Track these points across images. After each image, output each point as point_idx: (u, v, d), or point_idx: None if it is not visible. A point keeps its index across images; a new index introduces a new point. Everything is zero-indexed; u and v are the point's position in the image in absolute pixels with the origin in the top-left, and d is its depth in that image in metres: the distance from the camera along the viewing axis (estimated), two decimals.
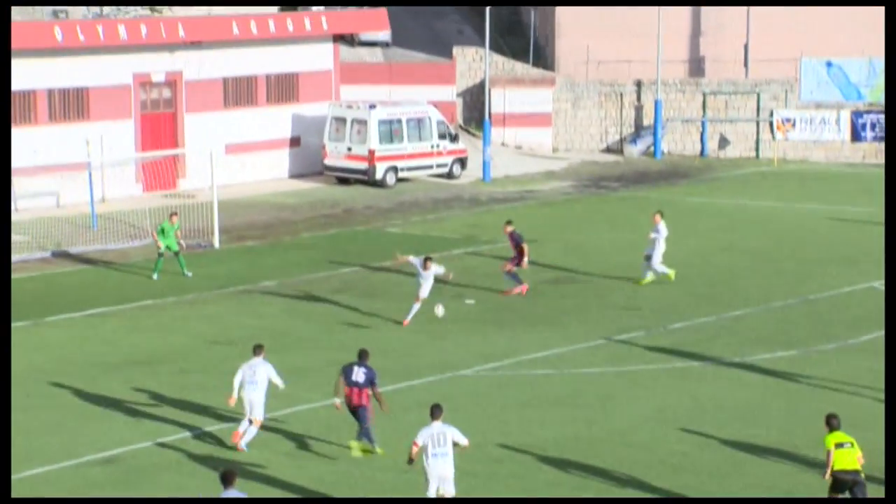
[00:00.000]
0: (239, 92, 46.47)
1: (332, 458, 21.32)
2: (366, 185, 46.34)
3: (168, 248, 32.72)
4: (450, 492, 18.66)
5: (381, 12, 51.90)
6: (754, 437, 21.95)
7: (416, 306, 28.95)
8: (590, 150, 55.03)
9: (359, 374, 21.23)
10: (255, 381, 21.31)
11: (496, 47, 56.23)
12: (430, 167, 48.02)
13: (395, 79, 52.78)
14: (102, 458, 21.08)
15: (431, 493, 18.59)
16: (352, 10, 56.70)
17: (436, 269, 29.14)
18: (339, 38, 50.14)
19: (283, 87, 47.70)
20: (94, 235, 37.42)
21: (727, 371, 25.83)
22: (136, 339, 27.84)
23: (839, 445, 18.14)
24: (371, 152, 46.19)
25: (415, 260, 29.37)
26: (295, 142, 48.04)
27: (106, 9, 51.68)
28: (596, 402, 23.99)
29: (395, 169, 46.82)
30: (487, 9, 49.59)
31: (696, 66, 57.97)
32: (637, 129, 55.12)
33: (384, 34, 56.57)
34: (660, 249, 32.46)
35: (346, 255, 35.53)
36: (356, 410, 21.17)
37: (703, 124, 54.75)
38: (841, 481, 18.08)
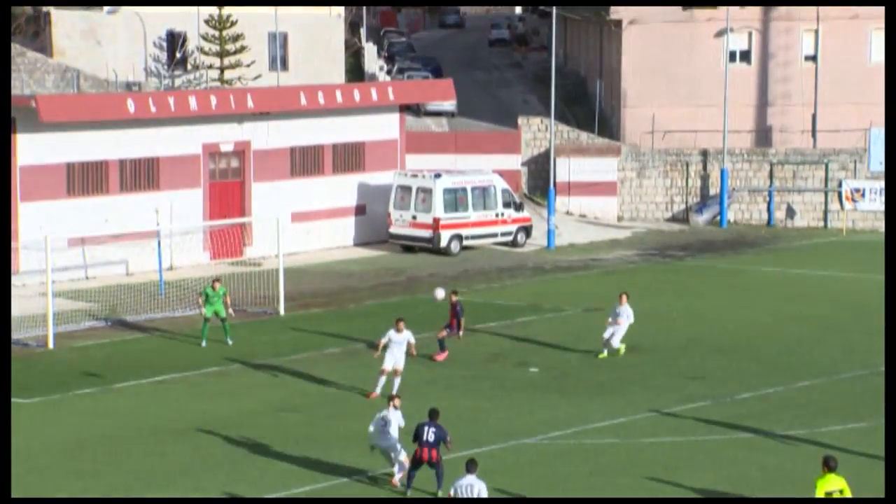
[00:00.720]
0: (305, 161, 46.99)
1: None
2: (430, 252, 46.50)
3: (216, 314, 32.90)
4: None
5: (448, 82, 52.38)
6: None
7: (382, 379, 27.88)
8: (655, 220, 54.85)
9: (429, 434, 21.75)
10: (387, 432, 22.39)
11: (561, 116, 56.47)
12: (495, 235, 48.10)
13: (460, 148, 53.11)
14: None
15: None
16: (418, 81, 57.29)
17: (408, 334, 27.97)
18: (406, 108, 50.61)
19: (350, 156, 48.17)
20: (163, 303, 37.81)
21: (795, 443, 25.41)
22: (203, 406, 27.96)
23: (828, 493, 18.53)
24: (436, 220, 46.40)
25: (386, 336, 28.10)
26: (360, 210, 48.40)
27: (177, 80, 52.58)
28: (661, 472, 23.68)
29: (459, 237, 46.96)
30: (553, 79, 49.87)
31: (763, 136, 57.77)
32: (703, 199, 54.89)
33: (450, 104, 57.10)
34: (622, 331, 31.63)
35: (410, 322, 35.37)
36: (429, 464, 21.77)
37: (769, 194, 54.43)
38: None
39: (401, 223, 46.88)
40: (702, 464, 24.21)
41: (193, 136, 43.80)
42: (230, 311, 33.16)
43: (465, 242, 47.15)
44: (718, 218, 53.92)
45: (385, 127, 48.99)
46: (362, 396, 28.61)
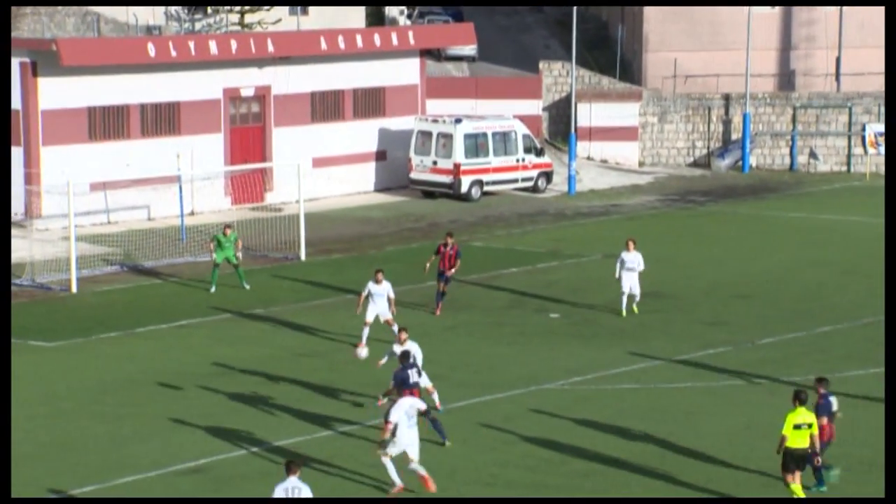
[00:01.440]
0: (326, 106, 46.87)
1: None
2: (451, 198, 46.44)
3: (227, 259, 32.97)
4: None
5: (468, 27, 52.04)
6: (846, 456, 21.55)
7: (366, 330, 27.47)
8: (676, 165, 54.60)
9: (414, 375, 21.60)
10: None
11: (582, 61, 56.09)
12: (516, 181, 48.00)
13: (481, 93, 52.86)
14: (190, 468, 21.32)
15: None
16: (439, 25, 56.96)
17: (388, 286, 27.38)
18: (426, 53, 50.34)
19: (370, 102, 48.02)
20: (184, 248, 37.95)
21: None
22: (223, 351, 28.13)
23: (797, 427, 19.30)
24: (457, 166, 46.30)
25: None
26: (381, 155, 48.33)
27: (197, 24, 52.35)
28: (682, 418, 23.75)
29: (480, 183, 46.86)
30: (574, 23, 49.50)
31: (786, 80, 57.28)
32: (725, 144, 54.58)
33: (471, 48, 56.71)
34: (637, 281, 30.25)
35: (431, 268, 35.58)
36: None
37: (792, 138, 54.07)
38: (791, 458, 19.32)
39: (421, 169, 46.81)
40: (721, 409, 24.27)
41: (214, 81, 43.71)
42: (238, 254, 33.19)
43: (486, 188, 47.06)
44: (740, 163, 53.63)
45: (405, 72, 48.78)
46: (383, 342, 28.71)
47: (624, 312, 30.77)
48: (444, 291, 31.07)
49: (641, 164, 54.36)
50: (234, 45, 43.70)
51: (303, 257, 37.21)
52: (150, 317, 30.88)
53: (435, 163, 46.56)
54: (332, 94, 46.88)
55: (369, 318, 27.78)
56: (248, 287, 33.06)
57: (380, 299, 27.71)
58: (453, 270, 30.99)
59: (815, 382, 20.57)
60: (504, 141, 47.41)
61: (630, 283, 30.63)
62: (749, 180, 51.78)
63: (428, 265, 31.07)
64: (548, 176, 48.72)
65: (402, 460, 20.32)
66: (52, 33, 51.13)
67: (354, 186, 47.41)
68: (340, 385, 25.66)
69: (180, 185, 40.37)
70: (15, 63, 39.50)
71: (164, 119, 42.71)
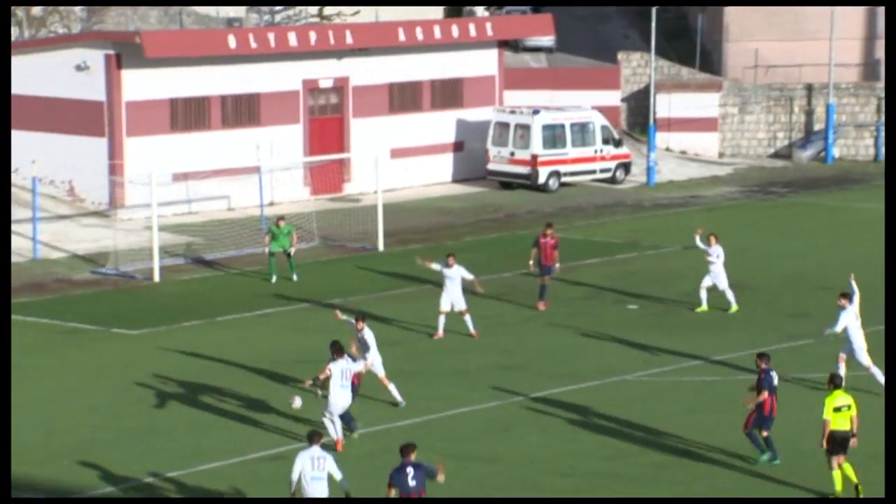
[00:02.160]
0: (404, 97, 47.01)
1: (494, 460, 21.37)
2: (528, 189, 46.37)
3: (282, 248, 33.03)
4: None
5: (547, 17, 51.89)
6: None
7: (441, 318, 27.55)
8: (757, 156, 54.01)
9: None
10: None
11: (662, 52, 55.66)
12: (594, 172, 47.79)
13: (559, 84, 52.70)
14: (271, 455, 21.54)
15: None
16: (517, 16, 56.82)
17: (461, 270, 27.28)
18: (504, 44, 50.28)
19: (448, 92, 48.08)
20: (264, 238, 38.24)
21: None
22: (303, 339, 28.37)
23: (837, 409, 19.56)
24: (534, 157, 46.21)
25: (438, 266, 27.70)
26: (458, 146, 48.37)
27: (277, 16, 52.71)
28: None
29: (557, 174, 46.73)
30: (654, 13, 49.12)
31: (871, 70, 56.36)
32: (807, 134, 53.88)
33: (549, 39, 56.53)
34: (722, 275, 30.05)
35: (508, 259, 35.60)
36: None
37: (877, 129, 53.21)
38: (833, 441, 19.52)
39: (499, 159, 46.78)
40: (803, 401, 23.97)
41: (293, 72, 44.04)
42: (292, 249, 33.08)
43: (564, 179, 46.92)
44: (823, 154, 52.91)
45: (483, 63, 48.76)
46: (461, 335, 28.77)
47: (702, 308, 30.37)
48: (546, 285, 30.52)
49: (721, 155, 53.84)
50: (313, 36, 43.99)
51: (380, 248, 37.38)
52: (231, 305, 31.23)
53: (513, 154, 46.51)
54: (410, 85, 47.01)
55: (444, 306, 27.85)
56: (295, 279, 33.11)
57: (452, 285, 27.66)
58: (558, 265, 30.49)
59: (757, 358, 21.15)
60: (582, 132, 47.22)
61: (714, 278, 30.20)
62: (832, 171, 51.08)
63: (531, 261, 30.60)
64: (626, 167, 48.46)
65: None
66: (136, 26, 51.85)
67: (432, 177, 47.51)
68: (418, 374, 25.75)
69: (260, 176, 40.75)
70: (100, 55, 40.13)
71: (244, 110, 43.12)
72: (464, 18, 54.07)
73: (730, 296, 30.32)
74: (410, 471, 16.81)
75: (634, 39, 59.66)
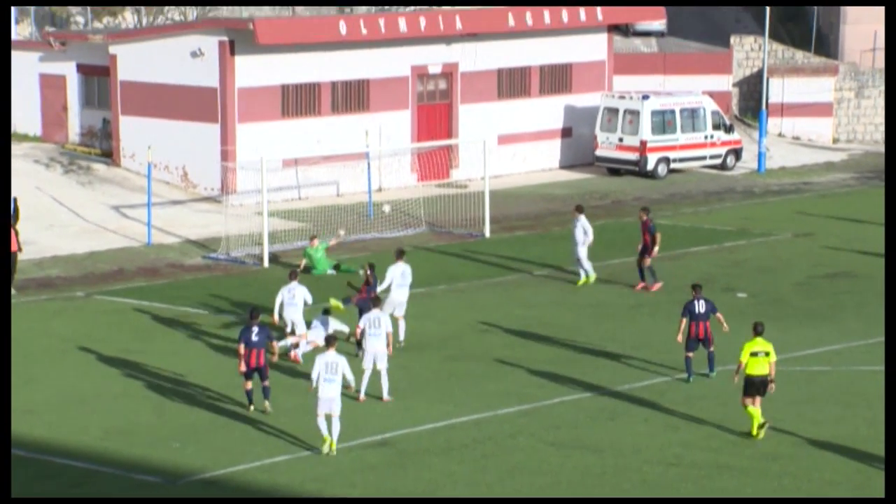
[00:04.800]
0: (512, 83, 46.92)
1: (598, 449, 21.31)
2: (637, 175, 46.00)
3: (325, 271, 32.21)
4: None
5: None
6: None
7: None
8: (874, 142, 52.83)
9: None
10: (294, 303, 25.84)
11: (776, 35, 54.70)
12: (704, 158, 47.22)
13: (669, 69, 52.11)
14: (377, 441, 21.74)
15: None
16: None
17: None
18: (614, 29, 49.89)
19: (557, 78, 47.87)
20: (371, 224, 38.60)
21: None
22: (410, 325, 28.48)
23: (754, 354, 21.50)
24: (643, 143, 45.81)
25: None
26: (567, 132, 48.15)
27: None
28: (875, 402, 23.05)
29: (666, 160, 46.27)
30: None
31: None
32: None
33: (659, 24, 55.89)
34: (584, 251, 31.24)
35: (615, 246, 35.37)
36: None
37: None
38: (750, 384, 21.51)
39: (607, 146, 46.47)
40: None
41: (402, 58, 44.22)
42: (334, 264, 32.42)
43: (673, 165, 46.44)
44: None
45: (593, 48, 48.43)
46: (564, 320, 28.67)
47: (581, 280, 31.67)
48: (644, 266, 31.10)
49: (836, 140, 52.78)
50: (422, 22, 44.11)
51: (487, 234, 37.40)
52: (339, 291, 31.51)
53: (621, 140, 46.16)
54: (518, 70, 46.91)
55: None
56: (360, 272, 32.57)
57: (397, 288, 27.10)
58: (656, 249, 30.88)
59: (692, 288, 24.82)
60: (692, 118, 46.66)
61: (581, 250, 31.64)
62: None
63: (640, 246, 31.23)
64: (737, 153, 47.78)
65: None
66: (250, 13, 52.53)
67: (539, 163, 47.38)
68: (521, 363, 25.76)
69: (368, 162, 41.05)
70: (213, 42, 40.74)
71: (353, 96, 43.45)
72: (573, 4, 53.72)
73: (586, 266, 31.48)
74: (255, 328, 22.56)
75: (748, 23, 58.70)
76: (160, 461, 20.95)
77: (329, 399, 20.96)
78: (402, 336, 26.63)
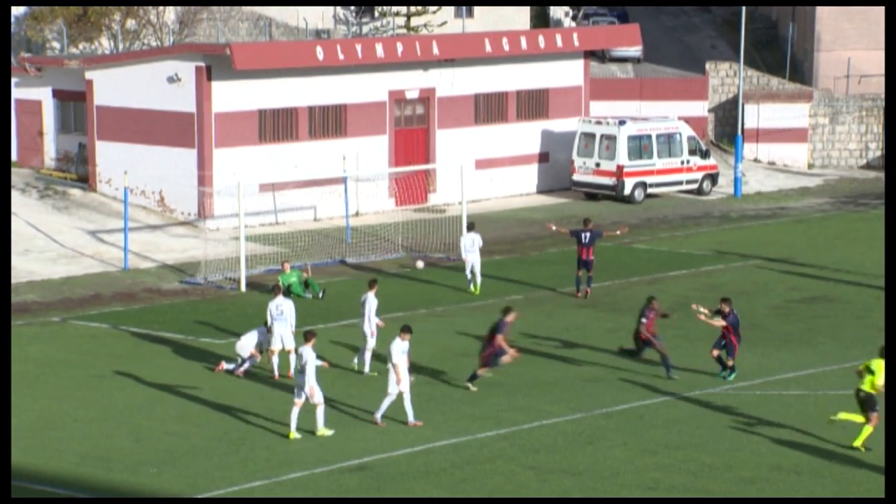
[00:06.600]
0: (490, 108, 47.07)
1: (577, 473, 21.29)
2: (614, 200, 46.14)
3: (302, 293, 32.32)
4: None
5: (634, 28, 51.61)
6: None
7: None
8: (848, 167, 53.19)
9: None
10: (283, 318, 26.14)
11: (750, 62, 55.09)
12: (680, 183, 47.43)
13: (645, 94, 52.39)
14: (355, 465, 21.65)
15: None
16: (604, 27, 56.62)
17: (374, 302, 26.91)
18: (590, 54, 50.14)
19: (534, 103, 48.05)
20: (349, 248, 38.56)
21: None
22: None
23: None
24: (620, 168, 45.98)
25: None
26: (544, 157, 48.30)
27: (364, 28, 53.02)
28: (852, 427, 23.11)
29: (643, 185, 46.45)
30: (742, 22, 48.64)
31: None
32: None
33: (636, 50, 56.26)
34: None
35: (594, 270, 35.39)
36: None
37: None
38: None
39: (584, 171, 46.62)
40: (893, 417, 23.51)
41: (380, 83, 44.31)
42: (305, 278, 32.72)
43: (650, 190, 46.62)
44: None
45: (569, 73, 48.66)
46: (543, 345, 28.68)
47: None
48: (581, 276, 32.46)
49: (811, 166, 53.11)
50: (399, 47, 44.24)
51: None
52: (317, 316, 31.46)
53: (598, 164, 46.32)
54: (495, 95, 47.06)
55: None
56: (321, 295, 32.51)
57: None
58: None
59: (721, 302, 26.05)
60: (668, 143, 46.90)
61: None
62: None
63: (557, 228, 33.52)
64: (713, 178, 48.01)
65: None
66: (227, 38, 52.55)
67: (517, 188, 47.49)
68: (500, 386, 25.73)
69: (346, 186, 41.05)
70: (190, 67, 40.74)
71: (330, 121, 43.49)
72: (550, 29, 54.01)
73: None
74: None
75: (722, 49, 59.13)
76: (137, 486, 20.81)
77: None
78: (367, 368, 26.62)
